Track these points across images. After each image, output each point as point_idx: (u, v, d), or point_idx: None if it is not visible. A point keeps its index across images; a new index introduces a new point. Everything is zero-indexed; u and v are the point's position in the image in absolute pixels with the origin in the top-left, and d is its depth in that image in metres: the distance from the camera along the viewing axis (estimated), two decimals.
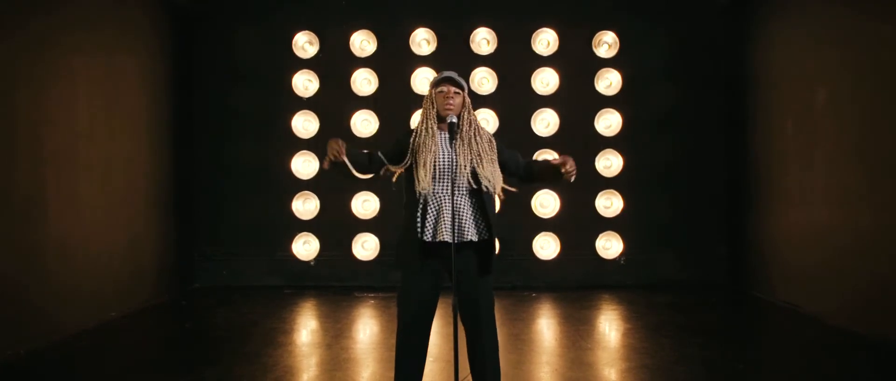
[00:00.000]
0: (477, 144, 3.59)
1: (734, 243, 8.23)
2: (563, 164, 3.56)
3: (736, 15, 8.17)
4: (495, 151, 3.66)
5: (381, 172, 3.67)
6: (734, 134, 8.23)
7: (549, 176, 3.71)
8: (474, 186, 3.56)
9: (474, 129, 3.63)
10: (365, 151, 3.71)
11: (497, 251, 3.67)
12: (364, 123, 8.24)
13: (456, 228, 3.46)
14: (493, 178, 3.58)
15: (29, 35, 5.48)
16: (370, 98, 8.28)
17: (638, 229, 8.30)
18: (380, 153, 3.64)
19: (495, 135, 3.79)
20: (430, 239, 3.51)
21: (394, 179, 3.67)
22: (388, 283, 8.07)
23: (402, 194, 3.66)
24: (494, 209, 3.63)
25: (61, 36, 5.90)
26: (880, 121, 5.70)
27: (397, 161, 3.61)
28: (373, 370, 4.94)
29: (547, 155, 8.14)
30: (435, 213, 3.53)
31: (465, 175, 3.54)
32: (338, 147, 3.42)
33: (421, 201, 3.55)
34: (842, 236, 6.17)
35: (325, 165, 3.52)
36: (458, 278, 3.52)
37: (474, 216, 3.57)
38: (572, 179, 3.60)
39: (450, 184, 3.53)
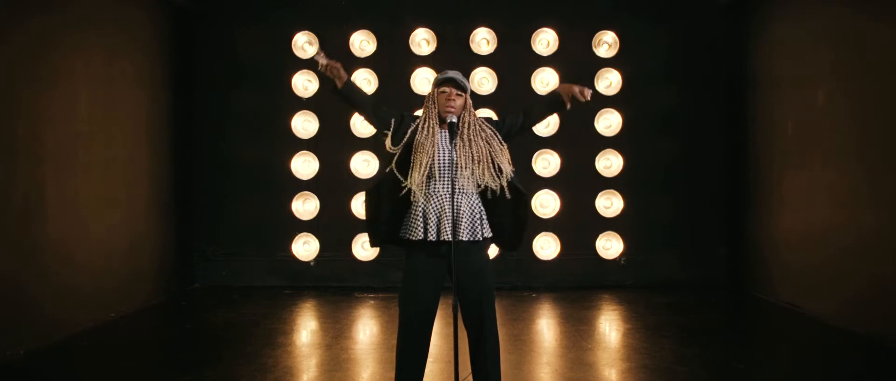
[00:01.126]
0: (477, 145, 3.59)
1: (734, 244, 8.23)
2: (568, 96, 3.66)
3: (736, 15, 8.16)
4: (498, 142, 3.66)
5: (379, 130, 3.71)
6: (734, 134, 8.22)
7: (554, 107, 3.79)
8: (475, 188, 3.59)
9: (474, 130, 3.63)
10: (370, 95, 3.78)
11: (506, 248, 3.73)
12: (364, 124, 8.22)
13: (456, 226, 3.46)
14: (491, 178, 3.58)
15: (29, 35, 5.48)
16: None
17: (638, 230, 8.30)
18: (385, 108, 3.70)
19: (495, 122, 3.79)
20: (433, 238, 3.51)
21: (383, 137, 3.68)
22: (388, 283, 8.07)
23: (389, 171, 3.64)
24: (503, 205, 3.65)
25: (61, 36, 5.90)
26: (880, 121, 5.70)
27: (388, 132, 3.66)
28: (373, 371, 4.94)
29: (546, 156, 8.15)
30: (436, 212, 3.52)
31: (465, 176, 3.56)
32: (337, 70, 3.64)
33: (420, 200, 3.55)
34: (842, 236, 6.17)
35: (320, 66, 3.66)
36: (459, 279, 3.52)
37: (473, 215, 3.57)
38: (583, 98, 3.64)
39: (450, 183, 3.53)
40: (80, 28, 6.17)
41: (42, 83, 5.63)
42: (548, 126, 8.25)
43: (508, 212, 3.67)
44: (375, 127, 3.74)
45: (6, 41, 5.23)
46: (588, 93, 3.62)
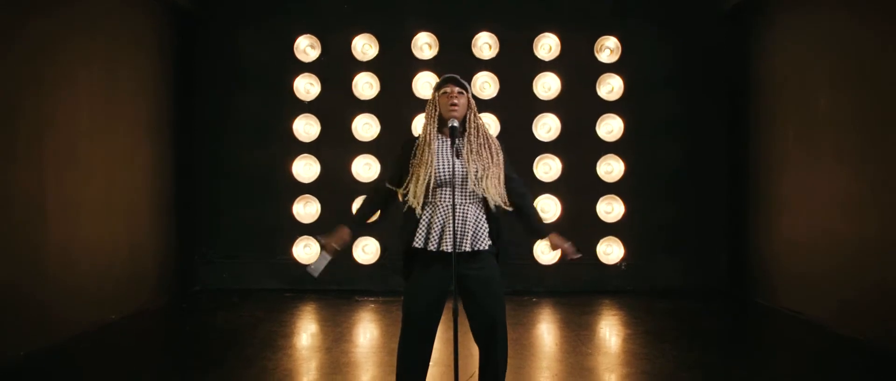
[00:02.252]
0: (485, 152, 3.54)
1: (736, 249, 8.22)
2: (557, 247, 3.65)
3: (738, 21, 8.17)
4: (502, 162, 3.61)
5: (400, 198, 3.65)
6: (736, 140, 8.22)
7: (534, 233, 3.75)
8: (480, 196, 3.53)
9: (483, 136, 3.57)
10: (365, 197, 3.75)
11: (498, 259, 3.65)
12: (365, 127, 8.24)
13: (460, 236, 3.42)
14: (495, 189, 3.52)
15: (31, 38, 5.49)
16: (372, 102, 8.28)
17: (639, 235, 8.29)
18: (387, 184, 3.65)
19: (498, 139, 3.74)
20: (434, 249, 3.47)
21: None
22: (389, 287, 8.06)
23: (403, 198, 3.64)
24: (502, 214, 3.59)
25: (63, 39, 5.91)
26: (882, 127, 5.70)
27: (403, 177, 3.61)
28: (373, 375, 4.93)
29: (547, 161, 8.15)
30: (440, 222, 3.48)
31: (471, 184, 3.49)
32: (335, 246, 3.65)
33: (425, 210, 3.52)
34: (844, 242, 6.16)
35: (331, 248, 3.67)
36: (468, 287, 3.48)
37: (479, 223, 3.53)
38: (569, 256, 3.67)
39: (451, 192, 3.47)
40: (82, 32, 6.18)
41: (44, 86, 5.64)
42: (549, 131, 8.26)
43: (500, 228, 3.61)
44: (393, 194, 3.68)
45: (8, 45, 5.24)
46: (576, 256, 3.65)
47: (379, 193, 3.71)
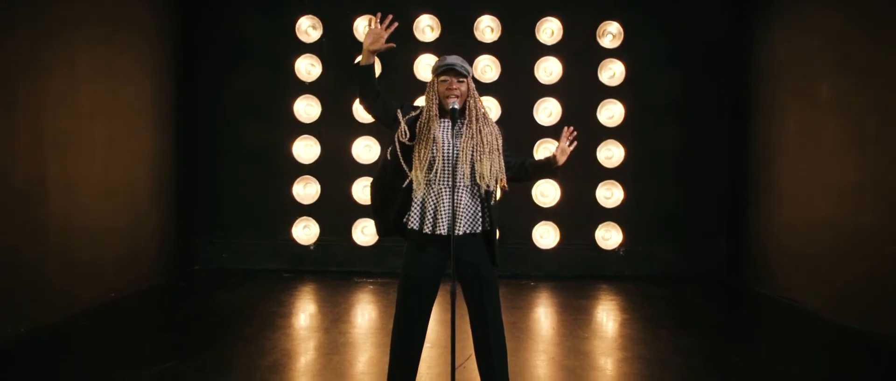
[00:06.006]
0: (482, 135, 3.54)
1: (734, 237, 8.24)
2: (564, 151, 3.69)
3: (741, 7, 8.14)
4: (501, 144, 3.62)
5: (379, 118, 3.60)
6: (737, 127, 8.22)
7: (542, 173, 3.80)
8: (477, 179, 3.53)
9: (481, 120, 3.57)
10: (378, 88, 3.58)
11: (497, 240, 3.66)
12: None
13: (455, 219, 3.43)
14: (491, 173, 3.52)
15: (33, 19, 5.46)
16: None
17: (638, 221, 8.31)
18: (396, 109, 3.57)
19: (499, 123, 3.75)
20: (429, 231, 3.50)
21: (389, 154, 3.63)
22: (388, 269, 8.09)
23: (391, 162, 3.59)
24: (494, 201, 3.60)
25: (65, 19, 5.88)
26: (882, 116, 5.69)
27: (400, 122, 3.55)
28: (371, 355, 4.96)
29: (547, 145, 8.14)
30: (434, 204, 3.50)
31: (466, 167, 3.50)
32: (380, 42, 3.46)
33: (419, 191, 3.53)
34: (842, 231, 6.17)
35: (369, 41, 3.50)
36: (460, 271, 3.51)
37: (473, 208, 3.54)
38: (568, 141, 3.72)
39: (451, 175, 3.49)
40: (83, 13, 6.15)
41: (45, 66, 5.62)
42: (550, 115, 8.25)
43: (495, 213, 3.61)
44: (376, 115, 3.61)
45: (10, 24, 5.21)
46: (568, 134, 3.71)
47: (378, 95, 3.57)
